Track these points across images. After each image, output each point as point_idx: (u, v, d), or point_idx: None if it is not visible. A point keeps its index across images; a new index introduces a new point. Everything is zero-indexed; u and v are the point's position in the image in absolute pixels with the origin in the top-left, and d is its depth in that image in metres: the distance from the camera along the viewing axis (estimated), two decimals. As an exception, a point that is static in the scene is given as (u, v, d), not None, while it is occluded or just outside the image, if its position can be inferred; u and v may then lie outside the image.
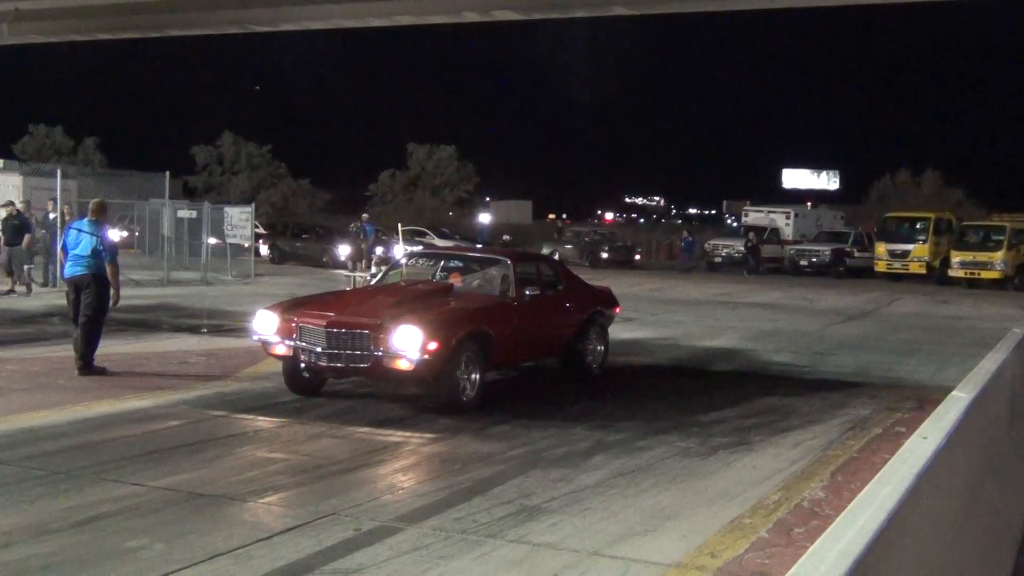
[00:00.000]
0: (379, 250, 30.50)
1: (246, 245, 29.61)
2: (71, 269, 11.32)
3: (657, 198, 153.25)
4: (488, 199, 79.02)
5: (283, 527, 6.06)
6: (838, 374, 13.52)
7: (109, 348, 11.95)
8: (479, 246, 31.93)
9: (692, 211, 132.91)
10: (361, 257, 30.63)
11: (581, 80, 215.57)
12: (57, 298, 12.81)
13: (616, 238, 45.48)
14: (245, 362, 12.27)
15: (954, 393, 5.91)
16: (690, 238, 45.99)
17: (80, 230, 11.35)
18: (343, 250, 33.82)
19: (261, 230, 38.45)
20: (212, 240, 28.19)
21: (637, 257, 43.89)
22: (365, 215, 34.16)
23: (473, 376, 9.88)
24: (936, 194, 58.37)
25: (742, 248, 40.97)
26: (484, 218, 55.53)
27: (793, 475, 7.83)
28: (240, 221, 28.92)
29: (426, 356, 9.25)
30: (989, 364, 7.60)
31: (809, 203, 50.63)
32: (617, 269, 37.92)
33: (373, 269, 18.66)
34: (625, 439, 8.90)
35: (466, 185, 66.76)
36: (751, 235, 41.16)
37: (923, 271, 35.87)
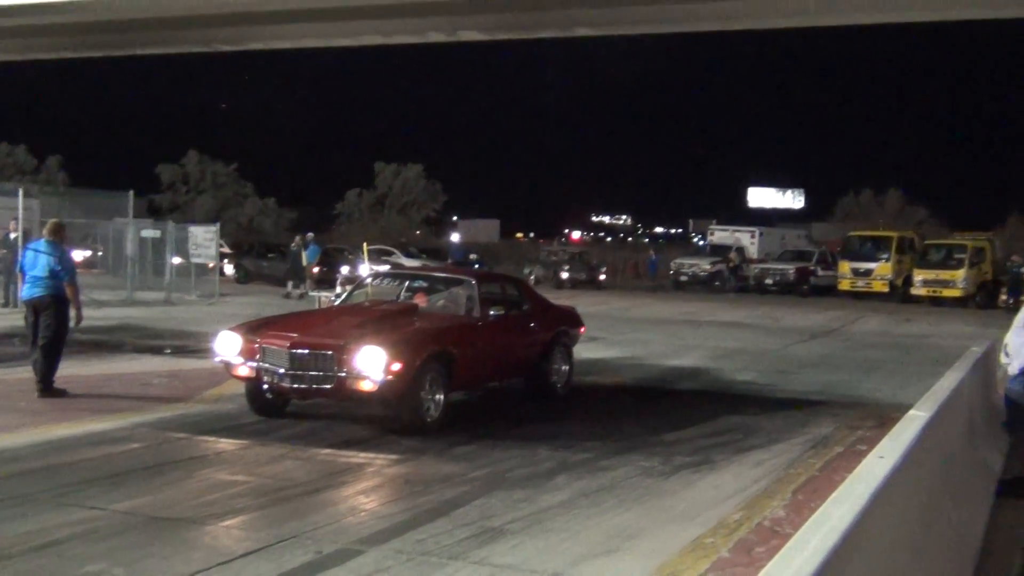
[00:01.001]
0: (344, 269, 30.38)
1: (211, 265, 29.45)
2: (29, 291, 11.21)
3: (624, 217, 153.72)
4: (456, 218, 79.08)
5: (244, 550, 6.02)
6: (801, 392, 13.61)
7: (70, 370, 11.83)
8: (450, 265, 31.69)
9: (659, 230, 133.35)
10: (301, 278, 30.19)
11: (548, 99, 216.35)
12: (18, 319, 12.66)
13: (584, 257, 44.75)
14: (208, 383, 12.18)
15: (912, 412, 5.98)
16: (655, 257, 46.14)
17: (37, 251, 11.25)
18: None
19: (226, 249, 38.27)
20: (176, 260, 28.02)
21: (602, 277, 42.90)
22: (310, 234, 33.22)
23: (437, 397, 9.87)
24: (899, 213, 59.05)
25: (707, 267, 41.14)
26: (456, 237, 54.47)
27: (755, 494, 7.87)
28: (205, 240, 28.78)
29: (390, 377, 9.23)
30: (947, 382, 7.70)
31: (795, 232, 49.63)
32: (580, 289, 37.56)
33: (338, 289, 18.57)
34: (588, 459, 8.91)
35: (433, 204, 66.84)
36: (732, 254, 41.02)
37: (886, 289, 36.19)
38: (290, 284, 30.09)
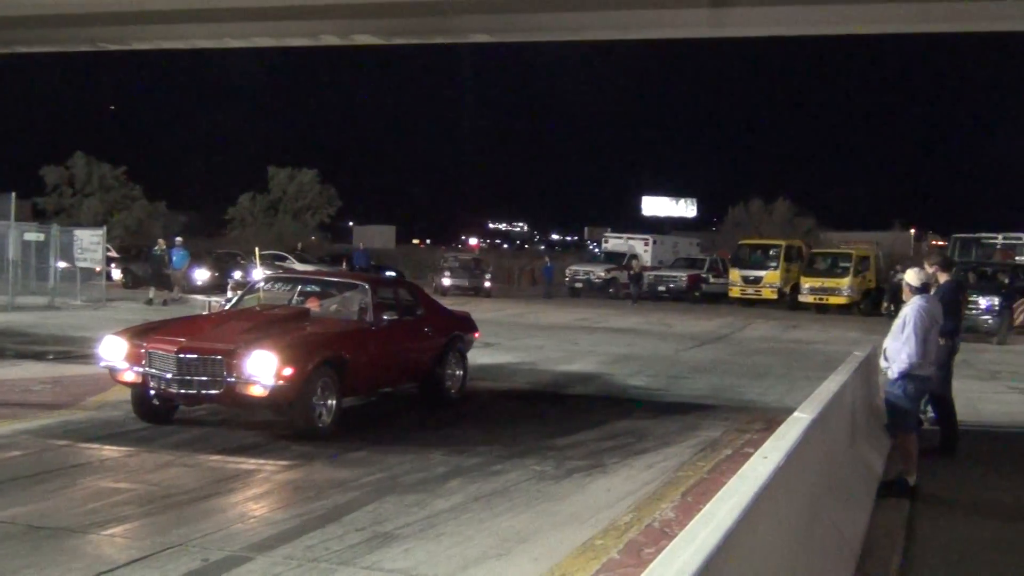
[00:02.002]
0: (236, 274, 29.77)
1: (97, 269, 28.67)
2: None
3: (521, 224, 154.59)
4: (351, 223, 78.47)
5: (127, 559, 5.87)
6: (692, 397, 13.82)
7: (-55, 376, 11.41)
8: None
9: (555, 237, 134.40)
10: (165, 283, 28.28)
11: (447, 107, 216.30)
12: None
13: (474, 263, 43.15)
14: (92, 390, 11.86)
15: (796, 414, 6.12)
16: (550, 264, 46.34)
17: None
18: (199, 274, 33.04)
19: (113, 254, 37.30)
20: (61, 264, 27.22)
21: (487, 284, 40.32)
22: (178, 238, 31.13)
23: (329, 402, 9.77)
24: (787, 222, 60.38)
25: (601, 274, 41.41)
26: (360, 243, 52.43)
27: (645, 496, 7.96)
28: (91, 244, 28.05)
29: (281, 382, 9.11)
30: (831, 386, 7.89)
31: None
32: (463, 297, 35.32)
33: (229, 293, 18.25)
34: (482, 463, 8.92)
35: (328, 209, 66.14)
36: (634, 262, 41.06)
37: (775, 296, 37.00)
38: (152, 290, 27.90)
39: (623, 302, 38.31)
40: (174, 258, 29.24)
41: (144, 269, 28.66)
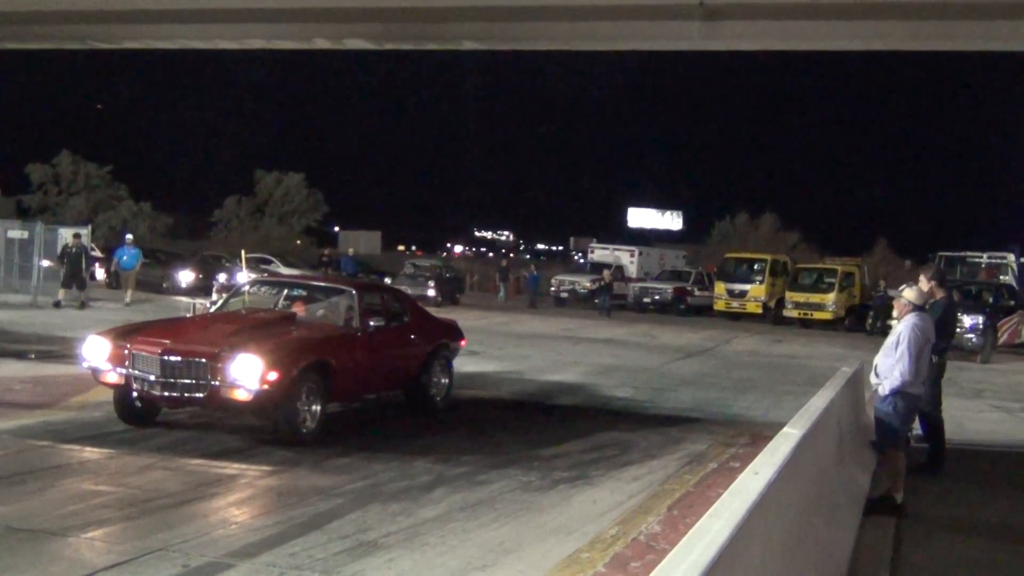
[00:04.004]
0: (221, 277, 29.54)
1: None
2: None
3: (506, 233, 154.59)
4: (337, 228, 78.27)
5: (106, 563, 5.79)
6: (677, 410, 13.79)
7: (-75, 373, 11.28)
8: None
9: (540, 247, 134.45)
10: (81, 283, 25.07)
11: (435, 114, 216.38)
12: None
13: (448, 271, 41.57)
14: (73, 390, 11.75)
15: (785, 429, 6.08)
16: (536, 274, 46.25)
17: None
18: (184, 276, 32.87)
19: (98, 253, 37.07)
20: (45, 263, 27.00)
21: (431, 293, 35.90)
22: (129, 236, 29.07)
23: (314, 408, 9.70)
24: (773, 236, 60.57)
25: (587, 285, 41.12)
26: (351, 250, 50.79)
27: (631, 509, 7.92)
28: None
29: (265, 386, 9.03)
30: (819, 402, 7.88)
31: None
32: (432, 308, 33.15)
33: (214, 296, 18.13)
34: (467, 473, 8.86)
35: (315, 214, 66.06)
36: (605, 272, 40.11)
37: (759, 311, 37.03)
38: (62, 292, 24.72)
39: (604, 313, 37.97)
40: (124, 258, 27.49)
41: (61, 268, 24.46)
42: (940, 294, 9.84)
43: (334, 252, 28.21)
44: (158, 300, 28.58)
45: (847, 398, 9.73)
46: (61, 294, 24.62)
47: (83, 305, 24.39)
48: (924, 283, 9.50)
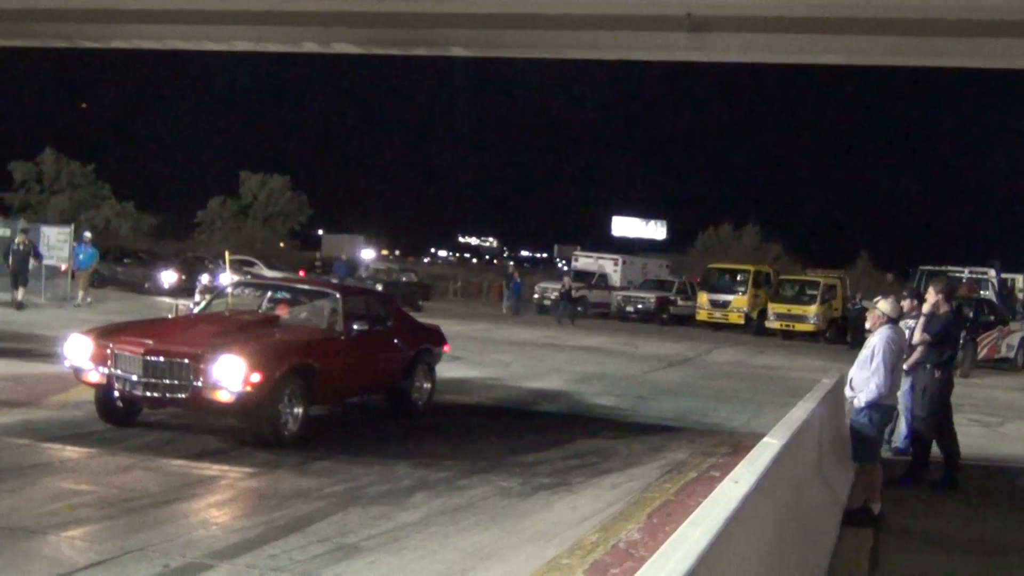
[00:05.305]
0: (204, 278, 29.42)
1: (63, 267, 28.34)
2: None
3: (490, 239, 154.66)
4: (321, 232, 78.21)
5: (86, 563, 5.78)
6: (658, 418, 13.83)
7: (-95, 369, 11.22)
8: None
9: (524, 253, 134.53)
10: (24, 282, 23.85)
11: (421, 119, 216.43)
12: None
13: (407, 275, 40.10)
14: (54, 389, 11.71)
15: (766, 439, 6.12)
16: (519, 280, 46.25)
17: None
18: (166, 277, 32.75)
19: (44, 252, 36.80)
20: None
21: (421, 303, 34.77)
22: (87, 234, 28.24)
23: (296, 410, 9.70)
24: (756, 247, 60.83)
25: (557, 292, 39.98)
26: (344, 255, 49.30)
27: (611, 516, 7.94)
28: (58, 242, 27.65)
29: (248, 388, 9.03)
30: (799, 412, 7.91)
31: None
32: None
33: (197, 297, 18.08)
34: (448, 477, 8.87)
35: (299, 216, 65.98)
36: (565, 280, 38.98)
37: (742, 321, 37.10)
38: (20, 291, 23.56)
39: (591, 320, 37.96)
40: (80, 256, 26.89)
41: (3, 267, 23.80)
42: (945, 308, 9.87)
43: (329, 257, 27.88)
44: (119, 299, 28.44)
45: (827, 409, 9.77)
46: (20, 294, 23.50)
47: (20, 306, 23.17)
48: (932, 295, 9.56)
